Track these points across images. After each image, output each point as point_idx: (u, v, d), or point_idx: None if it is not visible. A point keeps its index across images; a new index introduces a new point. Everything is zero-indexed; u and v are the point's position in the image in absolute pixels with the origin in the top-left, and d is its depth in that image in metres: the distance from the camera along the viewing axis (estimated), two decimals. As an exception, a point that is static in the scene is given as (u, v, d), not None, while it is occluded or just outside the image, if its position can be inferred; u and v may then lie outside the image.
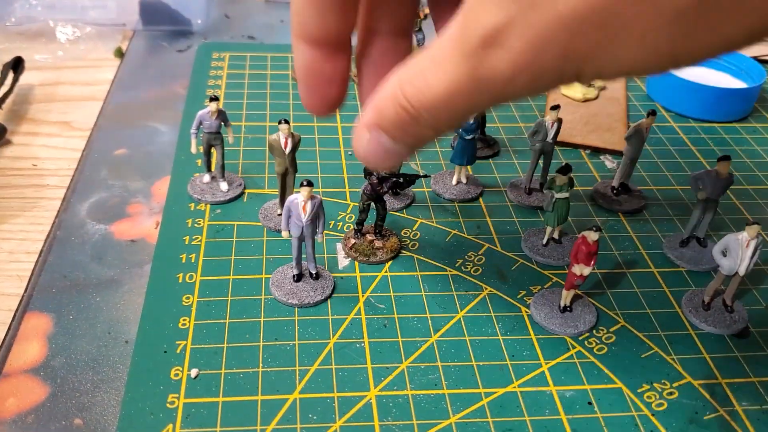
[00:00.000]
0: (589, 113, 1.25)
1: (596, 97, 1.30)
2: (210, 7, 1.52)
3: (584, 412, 0.75)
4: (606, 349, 0.82)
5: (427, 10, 1.35)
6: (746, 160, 1.18)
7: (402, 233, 0.97)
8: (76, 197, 1.01)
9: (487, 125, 1.16)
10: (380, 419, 0.73)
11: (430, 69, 0.43)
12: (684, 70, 1.35)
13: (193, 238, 0.94)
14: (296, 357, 0.79)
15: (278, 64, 1.37)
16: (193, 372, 0.76)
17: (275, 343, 0.80)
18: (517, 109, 1.28)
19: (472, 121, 1.00)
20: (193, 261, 0.90)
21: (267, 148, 0.93)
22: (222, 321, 0.82)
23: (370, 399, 0.75)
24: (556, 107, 0.98)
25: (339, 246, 0.94)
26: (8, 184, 1.04)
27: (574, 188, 0.92)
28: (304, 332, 0.82)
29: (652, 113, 0.99)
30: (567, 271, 0.83)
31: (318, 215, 0.83)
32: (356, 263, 0.91)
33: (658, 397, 0.77)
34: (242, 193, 1.02)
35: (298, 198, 0.81)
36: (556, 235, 0.95)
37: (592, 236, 0.79)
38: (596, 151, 1.17)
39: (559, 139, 1.15)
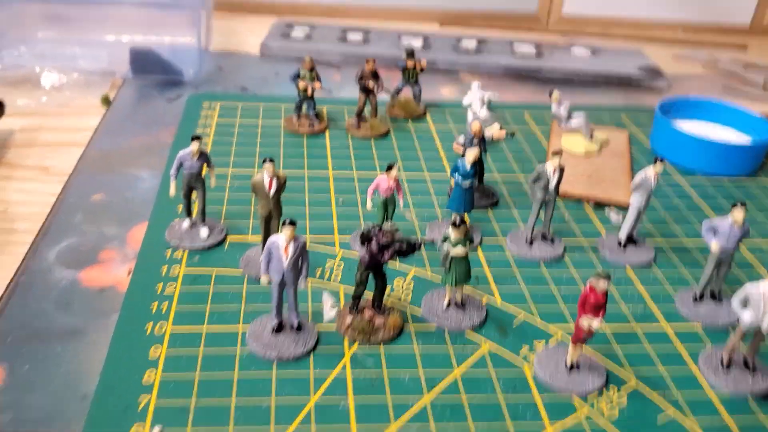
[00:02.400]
0: (592, 167, 1.19)
1: (598, 153, 1.25)
2: (203, 59, 1.48)
3: (595, 482, 0.66)
4: (617, 413, 0.74)
5: (424, 62, 1.32)
6: (758, 214, 1.12)
7: (395, 284, 0.90)
8: (45, 242, 0.94)
9: (485, 177, 1.10)
10: (364, 487, 0.64)
11: None
12: (686, 126, 1.31)
13: (167, 285, 0.87)
14: (272, 417, 0.70)
15: (271, 113, 1.32)
16: (155, 430, 0.68)
17: (249, 400, 0.72)
18: (517, 161, 1.23)
19: (469, 168, 0.94)
20: (164, 311, 0.83)
21: (251, 190, 0.87)
22: (191, 375, 0.74)
23: (354, 464, 0.66)
24: (557, 153, 0.93)
25: (325, 296, 0.87)
26: (-25, 229, 0.97)
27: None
28: (282, 389, 0.74)
29: (660, 160, 0.94)
30: (575, 324, 0.76)
31: (301, 258, 0.76)
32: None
33: (677, 465, 0.69)
34: (224, 240, 0.95)
35: (280, 239, 0.75)
36: (458, 298, 0.85)
37: (601, 285, 0.72)
38: (600, 205, 1.11)
39: (561, 191, 1.10)
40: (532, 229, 0.98)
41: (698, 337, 0.85)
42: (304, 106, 1.26)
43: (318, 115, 1.28)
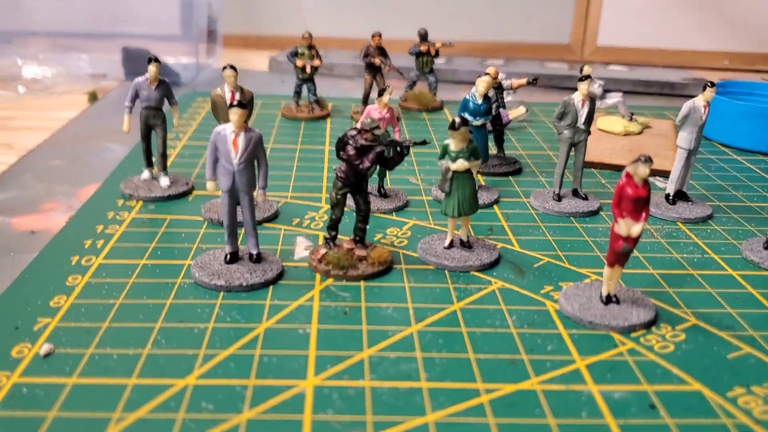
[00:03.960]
0: (634, 143, 1.03)
1: (640, 133, 1.08)
2: (202, 68, 1.39)
3: (644, 417, 0.46)
4: (673, 347, 0.54)
5: (439, 44, 1.19)
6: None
7: (387, 231, 0.73)
8: (-18, 196, 0.81)
9: (506, 151, 0.95)
10: (315, 412, 0.45)
11: None
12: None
13: (108, 226, 0.71)
14: (205, 341, 0.53)
15: (269, 106, 1.20)
16: (44, 348, 0.51)
17: (178, 325, 0.55)
18: (538, 133, 1.07)
19: (481, 102, 0.79)
20: (98, 246, 0.67)
21: (210, 108, 0.73)
22: (111, 301, 0.58)
23: (305, 389, 0.48)
24: (586, 78, 0.77)
25: (300, 239, 0.70)
26: None
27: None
28: (225, 316, 0.56)
29: (711, 84, 0.77)
30: (609, 235, 0.57)
31: (258, 157, 0.61)
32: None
33: (762, 402, 0.48)
34: (188, 192, 0.80)
35: (227, 128, 0.59)
36: (463, 236, 0.67)
37: (641, 171, 0.55)
38: (643, 173, 0.93)
39: (600, 160, 0.94)
40: (560, 182, 0.80)
41: (775, 282, 0.66)
42: (304, 91, 1.13)
43: (319, 102, 1.15)
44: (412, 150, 0.90)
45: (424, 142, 0.65)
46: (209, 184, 0.61)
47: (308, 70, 1.10)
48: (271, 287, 0.61)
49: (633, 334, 0.56)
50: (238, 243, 0.64)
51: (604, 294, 0.59)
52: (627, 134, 1.07)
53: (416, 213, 0.78)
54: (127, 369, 0.49)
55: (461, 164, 0.64)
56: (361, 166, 0.63)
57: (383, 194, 0.80)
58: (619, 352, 0.54)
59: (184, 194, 0.80)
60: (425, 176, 0.90)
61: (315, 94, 1.13)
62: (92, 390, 0.47)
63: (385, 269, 0.64)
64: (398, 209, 0.78)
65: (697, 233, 0.76)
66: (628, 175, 0.55)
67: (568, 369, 0.51)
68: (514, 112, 1.10)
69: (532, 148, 1.03)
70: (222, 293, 0.60)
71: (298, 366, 0.50)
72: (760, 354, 0.54)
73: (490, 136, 0.89)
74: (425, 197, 0.83)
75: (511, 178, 0.90)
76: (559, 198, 0.81)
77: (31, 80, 1.24)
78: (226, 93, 0.71)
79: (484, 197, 0.80)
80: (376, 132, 0.62)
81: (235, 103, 0.58)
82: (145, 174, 0.81)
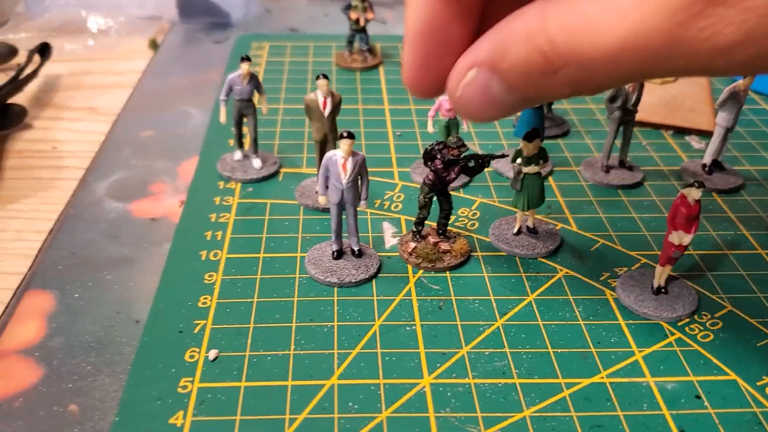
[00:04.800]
0: (669, 94, 1.11)
1: (674, 80, 1.16)
2: (250, 3, 1.43)
3: (691, 407, 0.60)
4: (712, 336, 0.67)
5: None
6: None
7: (459, 212, 0.84)
8: (94, 177, 0.91)
9: (553, 105, 1.03)
10: (436, 410, 0.59)
11: (600, 15, 0.34)
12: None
13: (220, 215, 0.82)
14: (335, 340, 0.65)
15: (321, 52, 1.27)
16: (212, 353, 0.63)
17: (310, 324, 0.67)
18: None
19: (538, 86, 0.87)
20: (219, 238, 0.78)
21: (304, 112, 0.82)
22: (249, 300, 0.70)
23: (424, 387, 0.61)
24: (636, 67, 0.85)
25: (386, 224, 0.81)
26: (24, 165, 0.94)
27: (655, 167, 0.77)
28: (344, 313, 0.69)
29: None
30: (663, 242, 0.69)
31: (361, 176, 0.71)
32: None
33: (785, 391, 0.61)
34: (277, 172, 0.90)
35: (337, 154, 0.69)
36: (530, 223, 0.78)
37: (694, 194, 0.65)
38: (680, 132, 1.02)
39: (638, 118, 1.02)
40: (608, 155, 0.90)
41: (799, 262, 0.77)
42: (357, 40, 1.20)
43: (371, 50, 1.21)
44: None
45: (502, 156, 0.75)
46: (321, 199, 0.72)
47: (362, 23, 1.16)
48: (374, 281, 0.73)
49: (679, 324, 0.68)
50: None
51: (655, 285, 0.71)
52: (663, 83, 1.14)
53: (481, 189, 0.88)
54: (282, 371, 0.62)
55: (533, 168, 0.74)
56: (447, 177, 0.73)
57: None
58: (668, 343, 0.66)
59: (275, 174, 0.90)
60: (481, 141, 0.99)
61: (367, 43, 1.19)
62: (261, 392, 0.60)
63: (466, 259, 0.76)
64: (464, 185, 0.89)
65: (730, 205, 0.86)
66: (683, 196, 0.66)
67: (629, 361, 0.64)
68: None
69: (575, 101, 1.11)
70: (336, 289, 0.72)
71: (413, 364, 0.63)
72: (782, 342, 0.67)
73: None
74: (486, 169, 0.92)
75: (560, 141, 1.00)
76: (607, 170, 0.91)
77: (97, 32, 1.30)
78: (319, 98, 0.80)
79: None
80: (462, 149, 0.72)
81: (345, 134, 0.67)
82: (238, 155, 0.90)
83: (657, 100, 1.09)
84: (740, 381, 0.62)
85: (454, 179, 0.73)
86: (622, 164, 0.91)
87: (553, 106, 1.02)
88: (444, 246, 0.76)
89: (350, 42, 1.20)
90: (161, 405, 0.58)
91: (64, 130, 1.03)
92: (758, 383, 0.62)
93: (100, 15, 1.30)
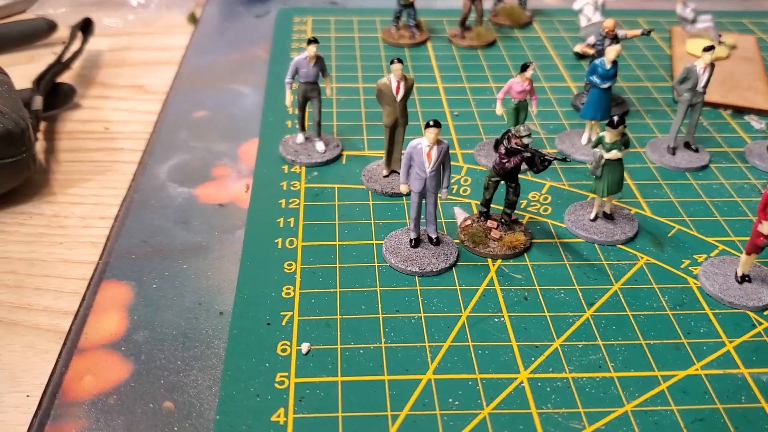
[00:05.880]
0: (724, 72, 1.09)
1: (727, 57, 1.14)
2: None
3: (792, 401, 0.60)
4: (802, 326, 0.67)
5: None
6: None
7: (529, 197, 0.83)
8: (153, 160, 0.90)
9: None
10: (537, 406, 0.58)
11: None
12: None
13: (290, 201, 0.81)
14: (424, 332, 0.65)
15: (366, 27, 1.24)
16: (304, 347, 0.63)
17: (397, 315, 0.67)
18: (640, 68, 1.13)
19: (609, 67, 0.86)
20: (292, 225, 0.77)
21: (375, 96, 0.80)
22: (332, 290, 0.69)
23: (522, 382, 0.60)
24: (709, 48, 0.83)
25: (457, 210, 0.80)
26: (78, 148, 0.93)
27: (715, 149, 0.76)
28: (429, 304, 0.68)
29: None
30: (751, 231, 0.68)
31: (444, 164, 0.70)
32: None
33: None
34: (340, 155, 0.89)
35: (422, 142, 0.68)
36: (607, 209, 0.78)
37: (789, 184, 0.64)
38: (739, 111, 1.01)
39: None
40: (675, 137, 0.89)
41: None
42: (404, 16, 1.17)
43: (418, 26, 1.19)
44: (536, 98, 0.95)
45: (564, 160, 0.73)
46: (403, 187, 0.71)
47: (410, 0, 1.13)
48: (454, 270, 0.72)
49: (766, 312, 0.68)
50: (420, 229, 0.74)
51: (740, 274, 0.70)
52: (717, 59, 1.13)
53: (549, 172, 0.87)
54: (376, 365, 0.61)
55: (615, 154, 0.73)
56: (506, 165, 0.72)
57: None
58: (757, 332, 0.66)
59: (338, 157, 0.88)
60: (542, 121, 0.98)
61: (415, 18, 1.17)
62: (359, 387, 0.59)
63: (514, 254, 0.74)
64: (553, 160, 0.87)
65: (800, 189, 0.86)
66: (777, 187, 0.65)
67: (721, 352, 0.64)
68: (632, 32, 1.14)
69: (630, 79, 1.10)
70: (417, 278, 0.71)
71: (507, 358, 0.63)
72: None
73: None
74: (549, 149, 0.91)
75: (620, 121, 0.98)
76: (673, 152, 0.89)
77: (137, 5, 1.27)
78: (392, 82, 0.78)
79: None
80: (525, 140, 0.70)
81: (432, 123, 0.66)
82: (300, 138, 0.89)
83: (712, 79, 1.07)
84: (836, 373, 0.62)
85: (511, 168, 0.72)
86: (688, 146, 0.90)
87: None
88: (495, 233, 0.75)
89: (397, 17, 1.18)
90: (260, 401, 0.58)
91: (114, 110, 1.01)
92: None
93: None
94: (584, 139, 0.90)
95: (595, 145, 0.74)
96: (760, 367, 0.62)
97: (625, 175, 0.85)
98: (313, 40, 0.82)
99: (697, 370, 0.62)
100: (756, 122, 0.99)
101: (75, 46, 1.08)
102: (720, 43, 1.15)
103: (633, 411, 0.58)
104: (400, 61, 0.77)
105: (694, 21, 1.14)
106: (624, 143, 0.73)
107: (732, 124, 0.99)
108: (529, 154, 0.71)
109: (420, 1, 1.29)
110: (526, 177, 0.86)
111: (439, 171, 0.70)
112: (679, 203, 0.82)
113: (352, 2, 1.37)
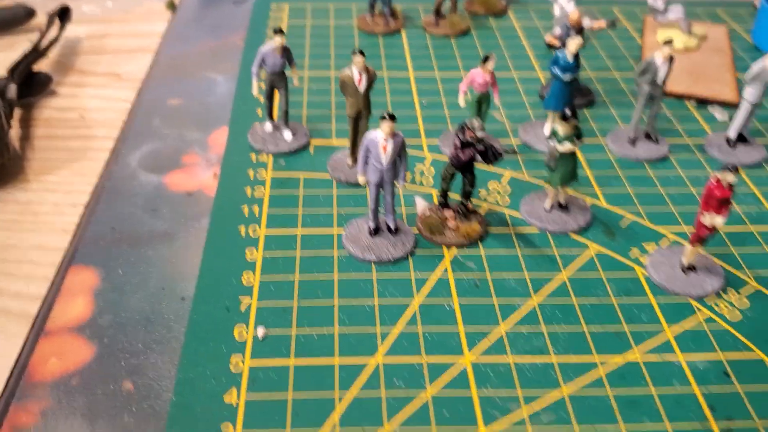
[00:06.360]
0: (692, 63, 1.11)
1: (697, 47, 1.16)
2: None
3: (720, 384, 0.62)
4: (738, 313, 0.69)
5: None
6: None
7: (490, 187, 0.85)
8: (126, 147, 0.92)
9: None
10: (478, 388, 0.61)
11: None
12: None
13: (255, 189, 0.83)
14: (376, 318, 0.68)
15: (342, 14, 1.26)
16: (260, 331, 0.66)
17: (351, 302, 0.69)
18: (610, 58, 1.15)
19: (571, 60, 0.88)
20: (256, 214, 0.80)
21: (338, 87, 0.82)
22: (291, 277, 0.72)
23: (465, 366, 0.63)
24: (668, 42, 0.85)
25: (418, 199, 0.83)
26: (54, 135, 0.95)
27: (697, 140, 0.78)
28: (384, 291, 0.71)
29: (781, 48, 0.86)
30: (695, 223, 0.70)
31: (400, 156, 0.72)
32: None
33: (811, 370, 0.64)
34: (308, 144, 0.91)
35: (378, 135, 0.70)
36: (561, 199, 0.80)
37: (729, 178, 0.66)
38: (703, 102, 1.03)
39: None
40: (635, 128, 0.91)
41: (822, 239, 0.79)
42: (378, 4, 1.19)
43: (393, 13, 1.21)
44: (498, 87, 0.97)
45: (513, 152, 0.75)
46: (360, 178, 0.73)
47: (386, -12, 1.15)
48: (411, 258, 0.75)
49: (708, 301, 0.71)
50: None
51: (685, 264, 0.73)
52: (687, 49, 1.15)
53: (510, 162, 0.89)
54: (328, 349, 0.64)
55: (568, 147, 0.75)
56: (460, 157, 0.74)
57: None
58: (698, 321, 0.69)
59: (306, 146, 0.91)
60: (508, 111, 1.00)
61: (389, 6, 1.19)
62: (310, 371, 0.62)
63: (470, 242, 0.76)
64: (506, 152, 0.90)
65: (755, 180, 0.88)
66: (717, 181, 0.67)
67: (661, 340, 0.67)
68: (597, 23, 1.16)
69: (599, 68, 1.12)
70: (374, 266, 0.73)
71: (454, 343, 0.65)
72: (808, 320, 0.69)
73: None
74: (513, 139, 0.94)
75: (586, 111, 1.00)
76: (633, 143, 0.92)
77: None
78: (354, 74, 0.80)
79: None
80: (478, 133, 0.73)
81: (386, 116, 0.68)
82: (269, 126, 0.91)
83: (680, 69, 1.09)
84: (767, 360, 0.65)
85: (465, 160, 0.74)
86: (648, 137, 0.92)
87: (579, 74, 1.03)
88: (452, 223, 0.77)
89: (372, 5, 1.19)
90: (215, 384, 0.61)
91: (90, 98, 1.03)
92: (785, 362, 0.65)
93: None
94: (546, 130, 0.93)
95: (550, 137, 0.76)
96: (696, 353, 0.65)
97: (584, 165, 0.88)
98: (279, 31, 0.84)
99: (635, 356, 0.65)
100: (719, 113, 1.01)
101: (52, 33, 1.10)
102: (690, 33, 1.17)
103: (570, 395, 0.61)
104: (362, 53, 0.79)
105: (665, 11, 1.16)
106: (577, 135, 0.75)
107: (695, 115, 1.01)
108: (482, 147, 0.73)
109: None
110: (486, 168, 0.88)
111: (395, 163, 0.72)
112: (634, 194, 0.85)
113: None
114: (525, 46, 1.17)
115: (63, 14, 1.14)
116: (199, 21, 1.25)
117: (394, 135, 0.70)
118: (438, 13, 1.20)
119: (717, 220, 0.68)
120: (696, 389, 0.62)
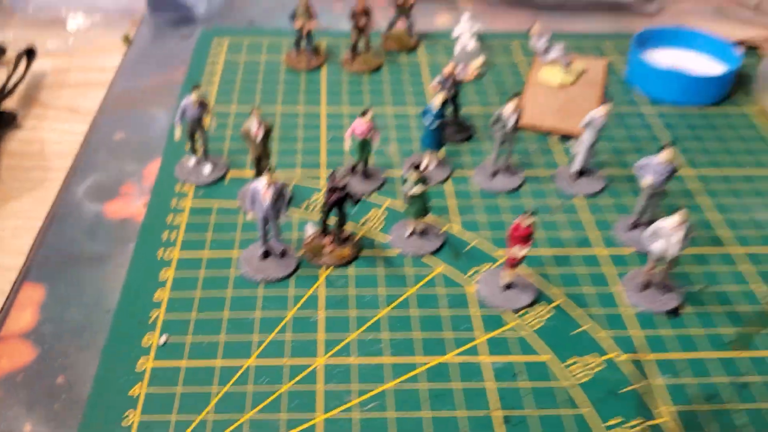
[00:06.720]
0: (564, 99, 1.29)
1: (574, 82, 1.34)
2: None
3: (509, 381, 0.82)
4: (541, 324, 0.89)
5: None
6: (714, 144, 1.22)
7: (371, 215, 1.04)
8: (75, 179, 1.11)
9: (462, 110, 1.22)
10: (325, 383, 0.81)
11: None
12: (663, 55, 1.39)
13: (176, 216, 1.03)
14: (256, 328, 0.88)
15: (274, 48, 1.44)
16: (162, 338, 0.85)
17: (238, 314, 0.89)
18: (496, 94, 1.33)
19: (436, 111, 1.06)
20: (173, 239, 0.99)
21: (240, 137, 1.02)
22: (193, 294, 0.91)
23: (317, 366, 0.83)
24: (516, 95, 1.04)
25: (308, 225, 1.02)
26: (18, 166, 1.14)
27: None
28: (266, 305, 0.90)
29: (607, 101, 1.05)
30: (506, 253, 0.90)
31: (280, 199, 0.91)
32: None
33: (583, 368, 0.84)
34: (225, 175, 1.11)
35: (260, 184, 0.90)
36: (418, 228, 0.99)
37: (526, 221, 0.86)
38: (566, 137, 1.22)
39: (530, 125, 1.21)
40: (494, 163, 1.10)
41: (626, 261, 0.99)
42: (303, 42, 1.37)
43: (316, 50, 1.39)
44: (393, 125, 1.15)
45: (359, 200, 0.97)
46: (249, 215, 0.92)
47: (305, 31, 1.33)
48: (293, 278, 0.94)
49: (519, 314, 0.90)
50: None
51: (503, 283, 0.93)
52: (562, 86, 1.33)
53: (390, 193, 1.09)
54: (213, 353, 0.84)
55: (415, 191, 0.95)
56: (329, 199, 0.93)
57: (366, 174, 1.10)
58: (506, 330, 0.88)
59: (222, 178, 1.10)
60: (400, 145, 1.19)
61: (312, 45, 1.37)
62: (197, 371, 0.82)
63: (346, 262, 0.96)
64: (377, 188, 1.09)
65: (590, 208, 1.07)
66: (518, 223, 0.87)
67: (471, 345, 0.86)
68: (472, 67, 1.36)
69: (483, 104, 1.30)
70: (262, 285, 0.93)
71: (313, 348, 0.85)
72: (596, 330, 0.89)
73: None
74: (397, 172, 1.13)
75: (463, 146, 1.19)
76: (493, 175, 1.11)
77: (77, 28, 1.46)
78: (253, 127, 0.99)
79: (440, 174, 1.11)
80: (343, 182, 0.92)
81: (267, 169, 0.88)
82: (192, 161, 1.10)
83: (551, 105, 1.27)
84: (553, 361, 0.85)
85: (329, 203, 0.93)
86: (508, 169, 1.12)
87: (460, 112, 1.21)
88: (328, 248, 0.97)
89: (297, 43, 1.37)
90: (124, 381, 0.81)
91: (50, 131, 1.22)
92: (566, 363, 0.85)
93: (80, 12, 1.46)
94: (422, 165, 1.12)
95: (403, 183, 0.96)
96: (496, 356, 0.85)
97: (449, 197, 1.08)
98: (195, 87, 1.03)
99: (448, 358, 0.85)
100: (575, 147, 1.20)
101: (18, 72, 1.29)
102: (569, 69, 1.35)
103: (393, 389, 0.81)
104: (258, 108, 0.98)
105: (547, 50, 1.34)
106: (422, 181, 0.94)
107: (555, 148, 1.20)
108: (343, 194, 0.93)
109: (328, 21, 1.48)
110: (368, 198, 1.07)
111: (276, 203, 0.91)
112: (486, 221, 1.04)
113: (269, 22, 1.56)
114: (424, 82, 1.35)
115: (30, 54, 1.33)
116: (150, 55, 1.43)
117: (273, 183, 0.90)
118: (354, 50, 1.38)
119: (520, 252, 0.88)
120: (488, 384, 0.82)
